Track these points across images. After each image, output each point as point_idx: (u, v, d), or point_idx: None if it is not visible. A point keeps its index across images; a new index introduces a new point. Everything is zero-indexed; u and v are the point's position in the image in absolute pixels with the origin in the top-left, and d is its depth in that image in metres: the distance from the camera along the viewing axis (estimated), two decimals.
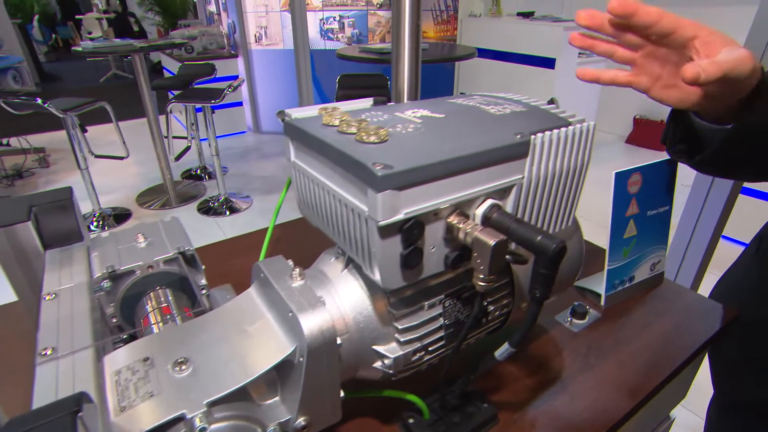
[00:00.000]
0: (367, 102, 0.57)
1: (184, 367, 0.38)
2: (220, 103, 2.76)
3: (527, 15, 3.49)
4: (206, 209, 3.05)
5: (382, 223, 0.35)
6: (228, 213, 3.00)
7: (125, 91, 6.14)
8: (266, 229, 0.89)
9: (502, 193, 0.43)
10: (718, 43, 0.44)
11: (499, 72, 3.48)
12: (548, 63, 3.08)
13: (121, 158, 2.97)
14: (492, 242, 0.36)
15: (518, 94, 0.54)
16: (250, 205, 3.11)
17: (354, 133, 0.40)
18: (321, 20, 3.93)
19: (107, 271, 0.48)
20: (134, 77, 2.76)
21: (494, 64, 3.49)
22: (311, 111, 0.56)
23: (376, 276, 0.39)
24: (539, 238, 0.36)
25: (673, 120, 0.57)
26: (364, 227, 0.37)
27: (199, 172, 3.62)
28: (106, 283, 0.49)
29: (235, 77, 4.43)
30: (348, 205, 0.38)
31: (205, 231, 2.83)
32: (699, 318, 0.71)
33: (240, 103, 4.59)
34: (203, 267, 0.62)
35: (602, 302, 0.73)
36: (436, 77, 3.90)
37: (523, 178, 0.43)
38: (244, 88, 4.57)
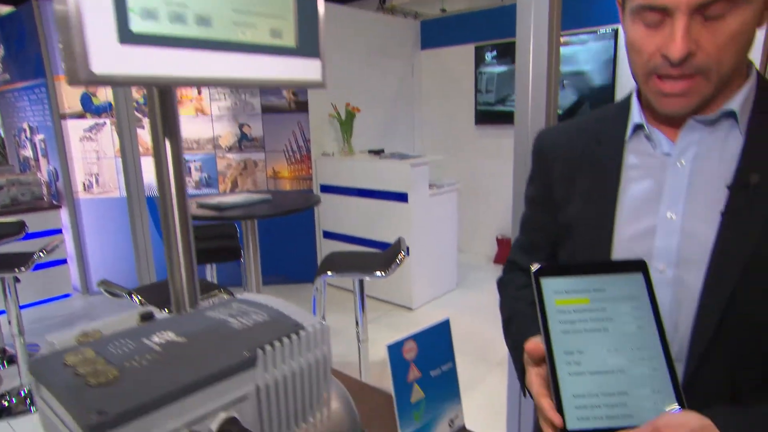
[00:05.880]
0: (133, 317, 0.68)
1: None
2: (29, 269, 2.63)
3: (377, 152, 4.11)
4: None
5: None
6: (33, 410, 2.65)
7: None
8: None
9: (237, 402, 0.55)
10: None
11: (358, 208, 3.92)
12: (402, 197, 3.58)
13: None
14: None
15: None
16: None
17: (86, 375, 0.50)
18: None
19: None
20: None
21: (353, 200, 3.93)
22: (71, 337, 0.65)
23: None
24: None
25: None
26: None
27: None
28: None
29: (58, 231, 4.26)
30: None
31: None
32: None
33: (63, 261, 4.33)
34: None
35: None
36: (298, 218, 4.21)
37: (256, 386, 0.56)
38: (69, 243, 4.38)
